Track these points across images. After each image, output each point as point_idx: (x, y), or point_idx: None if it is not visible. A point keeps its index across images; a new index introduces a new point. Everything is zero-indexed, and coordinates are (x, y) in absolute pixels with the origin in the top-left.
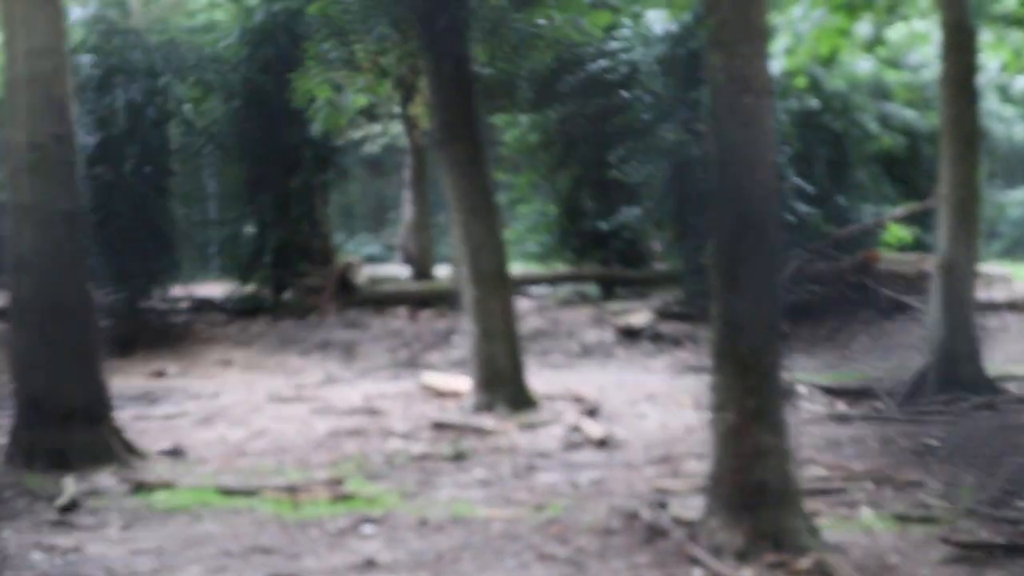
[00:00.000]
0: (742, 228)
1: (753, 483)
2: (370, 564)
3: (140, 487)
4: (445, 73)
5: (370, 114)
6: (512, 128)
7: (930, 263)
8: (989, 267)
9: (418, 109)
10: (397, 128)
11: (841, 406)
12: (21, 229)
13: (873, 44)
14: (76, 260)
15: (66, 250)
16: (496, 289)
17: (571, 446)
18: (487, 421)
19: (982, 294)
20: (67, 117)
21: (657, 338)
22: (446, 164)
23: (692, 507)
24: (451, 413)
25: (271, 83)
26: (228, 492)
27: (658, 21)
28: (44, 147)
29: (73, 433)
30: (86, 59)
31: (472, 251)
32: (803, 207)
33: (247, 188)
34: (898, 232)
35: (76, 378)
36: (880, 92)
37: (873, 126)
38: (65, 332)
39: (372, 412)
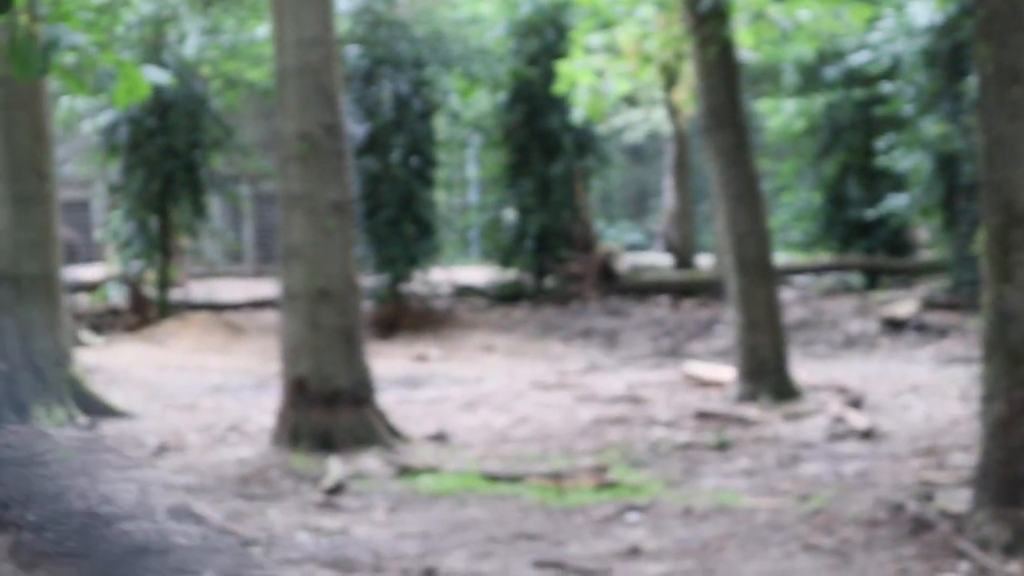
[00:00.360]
0: (1010, 220)
1: (1022, 476)
2: (635, 552)
3: (405, 471)
4: (710, 58)
5: (631, 101)
6: (776, 115)
7: None
8: None
9: (681, 95)
10: (659, 115)
11: None
12: (291, 218)
13: None
14: (344, 248)
15: (335, 239)
16: (760, 278)
17: (835, 437)
18: (751, 411)
19: None
20: (336, 107)
21: (922, 328)
22: (711, 151)
23: (959, 500)
24: (715, 402)
25: (537, 74)
26: (493, 478)
27: (922, 12)
28: (314, 137)
29: (338, 415)
30: (353, 50)
31: (737, 240)
32: None
33: (509, 174)
34: None
35: (341, 361)
36: None
37: None
38: (331, 317)
39: (635, 400)
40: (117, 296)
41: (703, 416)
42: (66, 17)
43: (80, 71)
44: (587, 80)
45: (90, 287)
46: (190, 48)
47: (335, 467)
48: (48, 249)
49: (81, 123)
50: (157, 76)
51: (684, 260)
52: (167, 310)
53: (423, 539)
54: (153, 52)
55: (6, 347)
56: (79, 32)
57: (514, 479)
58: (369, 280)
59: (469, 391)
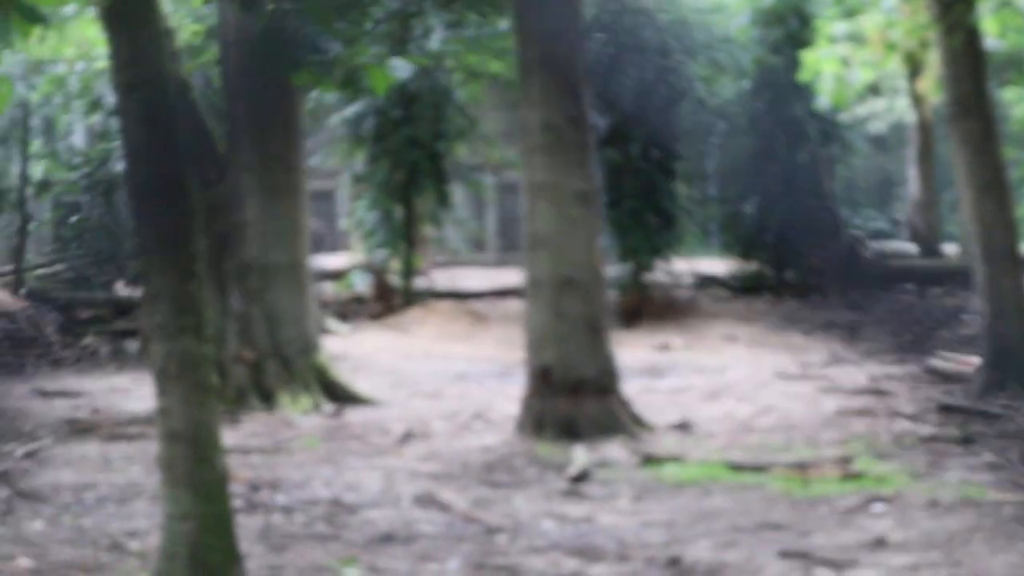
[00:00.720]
0: None
1: None
2: (880, 543)
3: (649, 459)
4: (956, 46)
5: (874, 90)
6: (1021, 103)
7: None
8: None
9: (926, 84)
10: (902, 103)
11: None
12: (536, 207)
13: None
14: (589, 237)
15: (579, 228)
16: (1008, 268)
17: None
18: (996, 403)
19: None
20: (580, 98)
21: None
22: (957, 140)
23: None
24: (958, 395)
25: (780, 62)
26: (737, 467)
27: None
28: (558, 128)
29: (582, 404)
30: (597, 39)
31: (983, 229)
32: None
33: (752, 164)
34: None
35: (586, 350)
36: None
37: None
38: (576, 306)
39: (878, 392)
40: (362, 284)
41: (947, 409)
42: (315, 16)
43: (327, 68)
44: (831, 68)
45: (336, 276)
46: (434, 41)
47: (580, 455)
48: (296, 239)
49: (328, 115)
50: (402, 69)
51: (929, 248)
52: (411, 298)
53: (667, 528)
54: (399, 46)
55: (255, 335)
56: (326, 31)
57: (758, 469)
58: (612, 270)
59: (712, 381)
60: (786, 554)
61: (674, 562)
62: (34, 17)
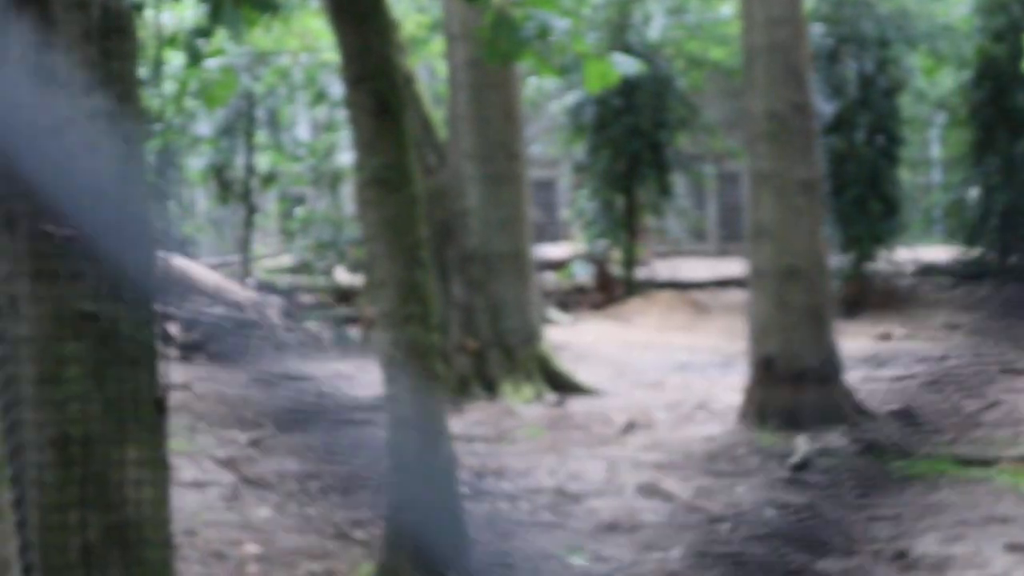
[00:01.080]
0: None
1: None
2: None
3: (872, 449)
4: None
5: None
6: None
7: None
8: None
9: None
10: None
11: None
12: (759, 196)
13: None
14: (812, 227)
15: (803, 217)
16: None
17: None
18: None
19: None
20: (805, 86)
21: None
22: None
23: None
24: None
25: (1003, 51)
26: (964, 461)
27: None
28: (782, 115)
29: (805, 393)
30: (817, 29)
31: None
32: None
33: (974, 153)
34: None
35: (809, 339)
36: None
37: None
38: (799, 295)
39: None
40: (583, 274)
41: None
42: (543, 1)
43: (549, 54)
44: None
45: (557, 265)
46: (655, 29)
47: (801, 444)
48: (518, 228)
49: (548, 103)
50: (627, 66)
51: None
52: (632, 288)
53: (893, 520)
54: (618, 33)
55: (478, 324)
56: (558, 16)
57: (985, 462)
58: (834, 259)
59: (933, 368)
60: (1013, 547)
61: (900, 555)
62: (265, 6)
